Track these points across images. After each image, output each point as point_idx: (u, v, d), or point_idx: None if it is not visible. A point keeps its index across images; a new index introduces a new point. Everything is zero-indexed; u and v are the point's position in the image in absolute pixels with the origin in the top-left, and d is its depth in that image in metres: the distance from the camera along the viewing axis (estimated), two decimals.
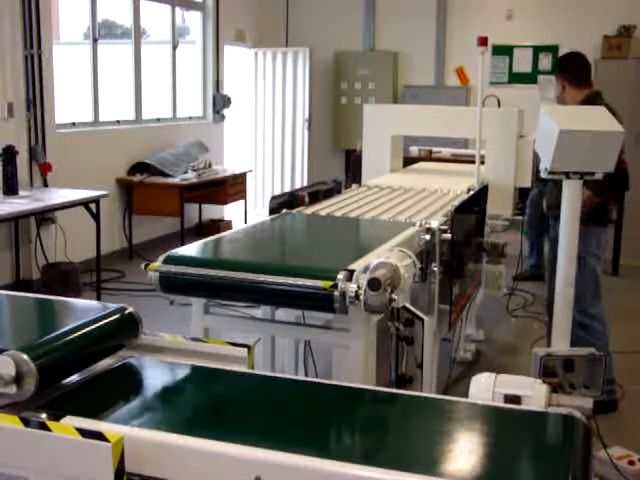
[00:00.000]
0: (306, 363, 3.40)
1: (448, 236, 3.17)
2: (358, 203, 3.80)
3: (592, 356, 2.65)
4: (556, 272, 3.03)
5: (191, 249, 2.77)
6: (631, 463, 3.27)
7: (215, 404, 1.96)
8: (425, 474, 1.54)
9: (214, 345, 2.17)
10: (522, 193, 5.03)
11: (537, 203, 5.71)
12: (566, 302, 3.01)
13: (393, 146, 5.05)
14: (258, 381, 2.10)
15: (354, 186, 4.45)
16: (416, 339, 2.78)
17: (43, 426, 1.62)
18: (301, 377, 2.98)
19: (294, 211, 3.51)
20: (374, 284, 2.22)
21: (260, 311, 3.04)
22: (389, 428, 1.83)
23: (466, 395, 1.93)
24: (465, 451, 1.70)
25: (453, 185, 4.37)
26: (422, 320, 2.78)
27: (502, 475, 1.60)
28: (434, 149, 7.50)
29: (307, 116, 9.77)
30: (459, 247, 3.48)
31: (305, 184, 9.13)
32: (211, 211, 8.80)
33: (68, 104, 7.44)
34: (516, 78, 9.23)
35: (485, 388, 1.91)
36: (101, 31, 7.21)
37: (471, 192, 4.08)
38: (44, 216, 6.03)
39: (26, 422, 1.63)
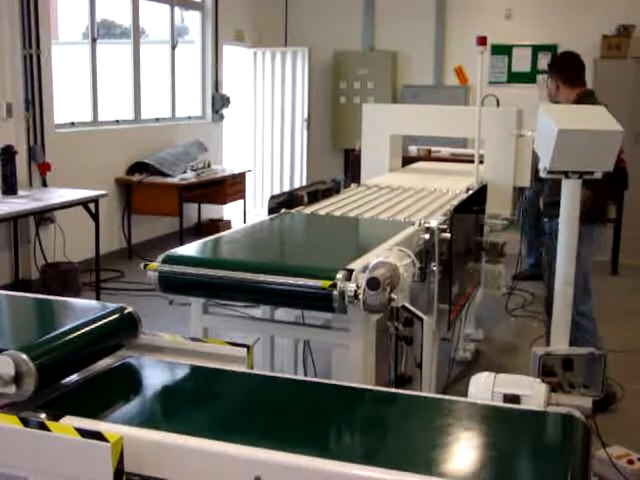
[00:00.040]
0: (305, 363, 3.39)
1: (447, 235, 3.17)
2: (357, 203, 3.80)
3: (591, 355, 2.65)
4: (553, 270, 3.03)
5: (190, 249, 2.77)
6: (630, 462, 3.27)
7: (215, 404, 1.95)
8: (425, 474, 1.54)
9: (213, 345, 2.16)
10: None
11: (535, 202, 5.72)
12: (565, 301, 3.02)
13: (392, 146, 5.04)
14: (257, 381, 2.10)
15: (353, 186, 4.44)
16: (415, 339, 2.78)
17: (42, 426, 1.62)
18: (300, 377, 2.97)
19: (293, 211, 3.51)
20: (373, 283, 2.22)
21: (259, 311, 3.04)
22: (389, 428, 1.83)
23: (465, 395, 1.93)
24: (464, 451, 1.70)
25: (452, 184, 4.37)
26: (421, 320, 2.79)
27: (501, 474, 1.61)
28: (433, 148, 7.50)
29: (306, 116, 9.77)
30: (458, 246, 3.47)
31: (304, 184, 9.12)
32: (210, 211, 8.79)
33: (67, 104, 7.43)
34: (515, 78, 9.24)
35: (484, 387, 1.91)
36: (100, 31, 7.20)
37: (470, 191, 4.08)
38: (43, 216, 6.03)
39: (25, 422, 1.63)
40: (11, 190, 5.50)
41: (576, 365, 2.64)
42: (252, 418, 1.85)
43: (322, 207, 3.62)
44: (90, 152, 6.81)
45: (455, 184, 4.37)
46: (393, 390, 2.31)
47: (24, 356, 1.76)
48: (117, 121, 7.45)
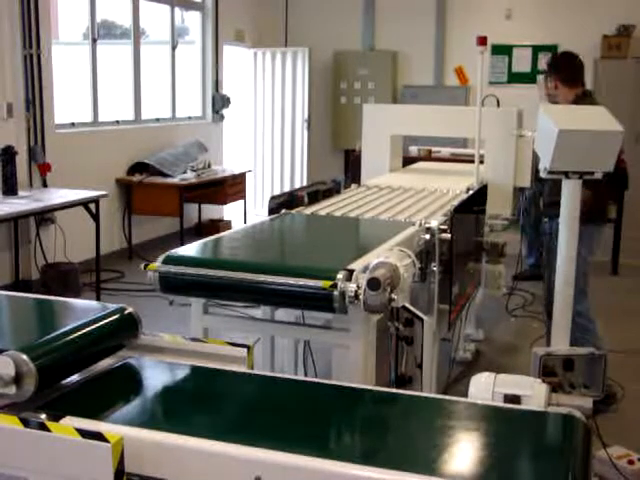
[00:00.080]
0: (306, 363, 3.39)
1: (447, 236, 3.17)
2: (357, 203, 3.80)
3: (592, 356, 2.65)
4: (553, 270, 3.03)
5: (190, 249, 2.77)
6: (630, 462, 3.26)
7: (215, 404, 1.95)
8: (425, 474, 1.54)
9: (213, 345, 2.17)
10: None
11: (535, 202, 5.73)
12: (565, 301, 3.01)
13: (392, 146, 5.05)
14: (258, 381, 2.10)
15: (353, 186, 4.44)
16: (416, 339, 2.78)
17: (43, 426, 1.62)
18: (301, 377, 2.97)
19: (293, 211, 3.51)
20: (373, 284, 2.22)
21: (259, 311, 3.04)
22: (389, 428, 1.83)
23: (466, 395, 1.93)
24: (465, 451, 1.70)
25: (452, 185, 4.37)
26: (422, 320, 2.78)
27: (502, 475, 1.61)
28: (433, 149, 7.50)
29: (306, 116, 9.77)
30: (458, 247, 3.47)
31: (304, 184, 9.12)
32: (210, 211, 8.79)
33: (67, 104, 7.43)
34: (515, 78, 9.24)
35: (485, 388, 1.91)
36: (100, 31, 7.20)
37: (470, 192, 4.08)
38: (43, 216, 6.03)
39: (26, 422, 1.63)
40: (11, 190, 5.50)
41: (577, 365, 2.64)
42: (252, 418, 1.85)
43: (322, 207, 3.62)
44: (90, 152, 6.81)
45: (455, 184, 4.37)
46: (393, 390, 2.31)
47: (24, 356, 1.76)
48: (117, 121, 7.45)
